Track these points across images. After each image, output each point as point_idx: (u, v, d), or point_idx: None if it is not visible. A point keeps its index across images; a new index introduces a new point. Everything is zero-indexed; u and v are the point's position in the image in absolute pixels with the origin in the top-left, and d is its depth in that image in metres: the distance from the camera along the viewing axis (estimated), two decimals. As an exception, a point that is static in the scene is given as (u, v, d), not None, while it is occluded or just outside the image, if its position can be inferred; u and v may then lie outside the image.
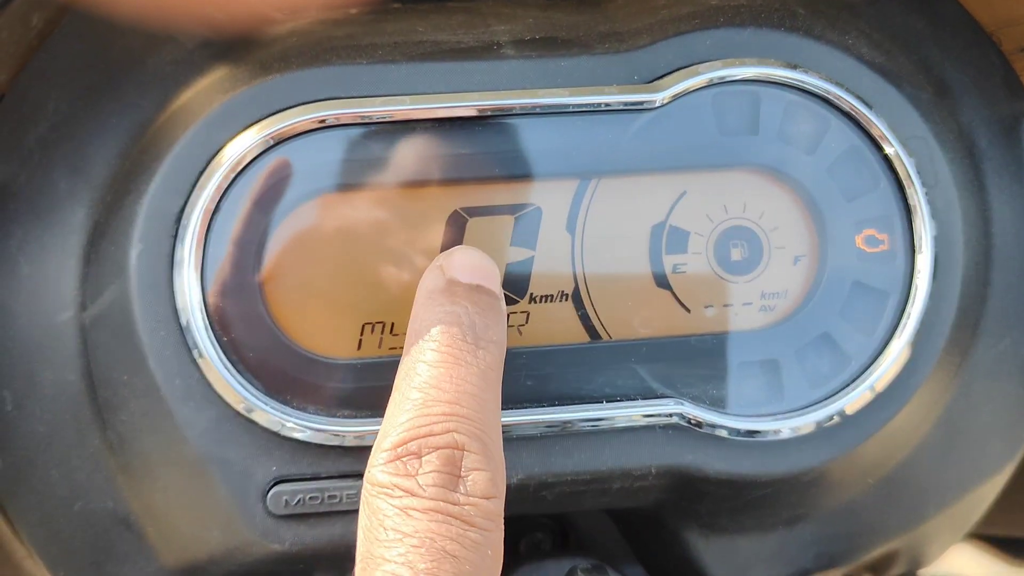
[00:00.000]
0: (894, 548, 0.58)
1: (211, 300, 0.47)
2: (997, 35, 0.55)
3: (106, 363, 0.49)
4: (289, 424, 0.47)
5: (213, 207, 0.47)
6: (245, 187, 0.47)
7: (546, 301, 0.49)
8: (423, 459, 0.39)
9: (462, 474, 0.39)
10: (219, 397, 0.47)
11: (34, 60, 0.51)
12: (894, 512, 0.56)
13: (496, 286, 0.45)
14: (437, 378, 0.41)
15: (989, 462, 0.57)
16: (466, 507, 0.38)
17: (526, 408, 0.49)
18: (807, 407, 0.50)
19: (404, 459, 0.39)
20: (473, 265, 0.45)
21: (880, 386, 0.50)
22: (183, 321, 0.47)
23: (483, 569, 0.37)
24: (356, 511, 0.48)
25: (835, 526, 0.55)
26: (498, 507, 0.39)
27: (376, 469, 0.39)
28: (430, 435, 0.39)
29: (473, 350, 0.42)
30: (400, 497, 0.38)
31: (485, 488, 0.39)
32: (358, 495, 0.48)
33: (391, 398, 0.42)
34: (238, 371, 0.47)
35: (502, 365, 0.43)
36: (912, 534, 0.57)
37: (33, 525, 0.52)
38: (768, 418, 0.50)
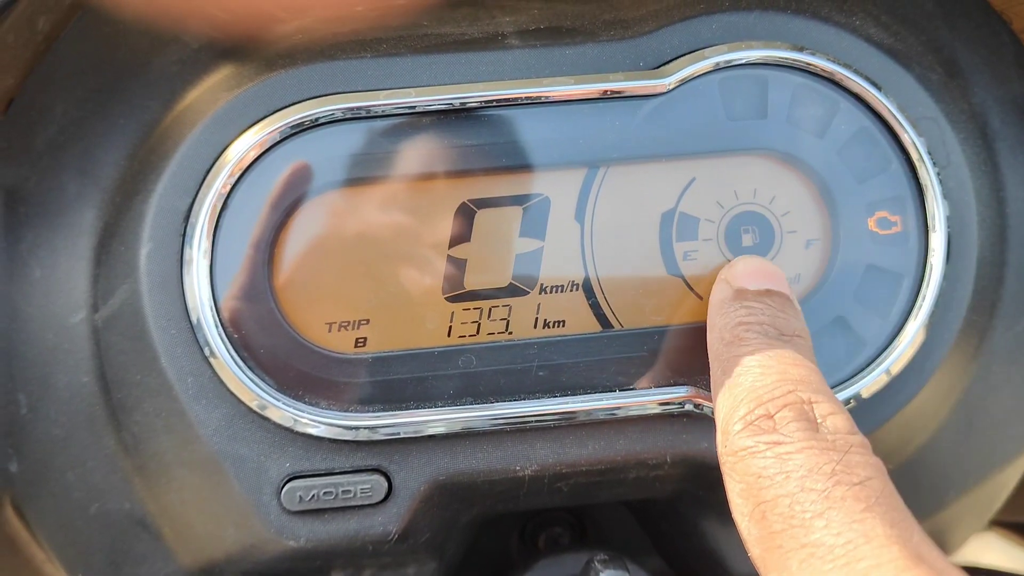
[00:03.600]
0: (916, 535, 0.58)
1: (221, 298, 0.47)
2: (1007, 13, 0.55)
3: (119, 364, 0.49)
4: (302, 420, 0.47)
5: (221, 204, 0.47)
6: (253, 184, 0.47)
7: (557, 291, 0.49)
8: (776, 416, 0.39)
9: (819, 421, 0.39)
10: (232, 394, 0.48)
11: (42, 64, 0.51)
12: (914, 498, 0.55)
13: (784, 287, 0.47)
14: (759, 360, 0.42)
15: (1010, 446, 0.56)
16: (837, 440, 0.38)
17: (539, 399, 0.48)
18: None
19: (757, 422, 0.40)
20: (757, 271, 0.47)
21: (896, 369, 0.50)
22: (194, 320, 0.47)
23: (887, 485, 0.37)
24: (371, 506, 0.48)
25: None
26: (866, 442, 0.39)
27: (734, 438, 0.40)
28: (773, 398, 0.40)
29: (781, 337, 0.43)
30: (769, 448, 0.38)
31: (848, 426, 0.39)
32: (372, 490, 0.48)
33: (717, 396, 0.42)
34: (250, 368, 0.47)
35: (813, 355, 0.44)
36: (933, 520, 0.57)
37: (51, 528, 0.52)
38: (784, 404, 0.49)
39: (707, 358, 0.49)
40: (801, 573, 0.35)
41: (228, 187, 0.47)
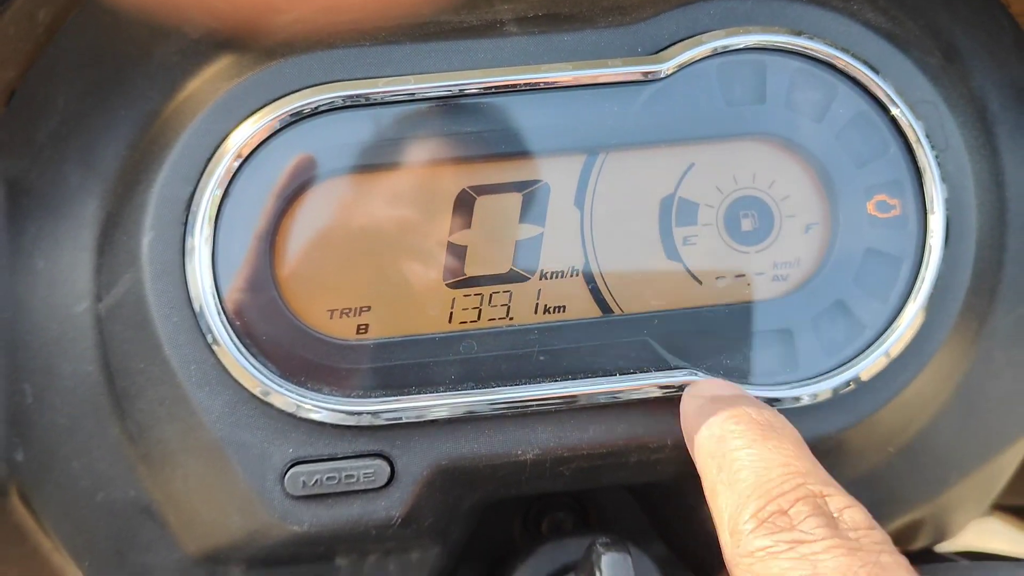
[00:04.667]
0: (917, 518, 0.58)
1: (223, 285, 0.48)
2: (1006, -4, 0.55)
3: (123, 352, 0.49)
4: (305, 405, 0.48)
5: (222, 193, 0.47)
6: (254, 172, 0.48)
7: (557, 277, 0.49)
8: (790, 512, 0.37)
9: (835, 515, 0.37)
10: (235, 381, 0.48)
11: (43, 56, 0.51)
12: (915, 481, 0.55)
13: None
14: (757, 455, 0.40)
15: (1011, 429, 0.57)
16: (862, 539, 0.36)
17: (540, 383, 0.49)
18: (822, 375, 0.50)
19: (772, 518, 0.37)
20: (723, 385, 0.47)
21: (895, 352, 0.50)
22: (196, 307, 0.48)
23: None
24: (374, 490, 0.49)
25: (857, 495, 0.54)
26: (887, 537, 0.37)
27: (748, 538, 0.37)
28: (783, 493, 0.38)
29: (773, 428, 0.42)
30: (791, 548, 0.36)
31: (866, 520, 0.37)
32: (375, 474, 0.48)
33: (717, 495, 0.40)
34: (252, 355, 0.48)
35: (807, 447, 0.42)
36: (934, 503, 0.57)
37: (57, 517, 0.52)
38: (784, 386, 0.49)
39: (705, 340, 0.49)
40: None
41: (229, 175, 0.47)
